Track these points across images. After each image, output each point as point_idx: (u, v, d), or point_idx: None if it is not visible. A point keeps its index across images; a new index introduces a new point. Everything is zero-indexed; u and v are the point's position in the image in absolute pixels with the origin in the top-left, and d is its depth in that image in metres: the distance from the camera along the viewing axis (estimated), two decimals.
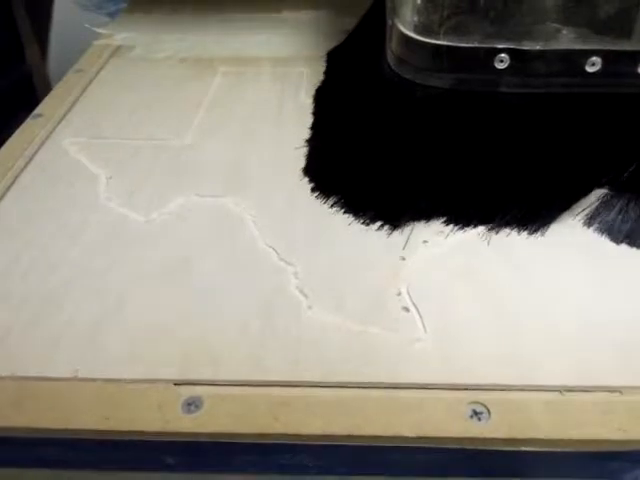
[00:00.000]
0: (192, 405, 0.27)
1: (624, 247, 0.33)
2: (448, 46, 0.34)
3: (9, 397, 0.27)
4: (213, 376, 0.28)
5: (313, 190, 0.38)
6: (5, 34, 0.77)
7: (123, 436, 0.26)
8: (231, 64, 0.55)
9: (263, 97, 0.50)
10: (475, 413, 0.26)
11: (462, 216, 0.35)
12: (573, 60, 0.34)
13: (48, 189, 0.41)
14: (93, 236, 0.37)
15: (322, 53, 0.55)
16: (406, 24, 0.35)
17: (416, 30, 0.34)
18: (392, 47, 0.37)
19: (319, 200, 0.37)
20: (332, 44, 0.56)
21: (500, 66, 0.34)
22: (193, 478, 0.29)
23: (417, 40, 0.34)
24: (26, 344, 0.30)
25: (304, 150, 0.42)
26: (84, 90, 0.50)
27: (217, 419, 0.26)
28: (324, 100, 0.47)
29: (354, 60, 0.47)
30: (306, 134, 0.45)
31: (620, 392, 0.27)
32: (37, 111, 0.48)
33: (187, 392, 0.27)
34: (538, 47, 0.33)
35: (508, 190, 0.35)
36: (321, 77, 0.52)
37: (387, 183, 0.36)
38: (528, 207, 0.35)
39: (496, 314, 0.30)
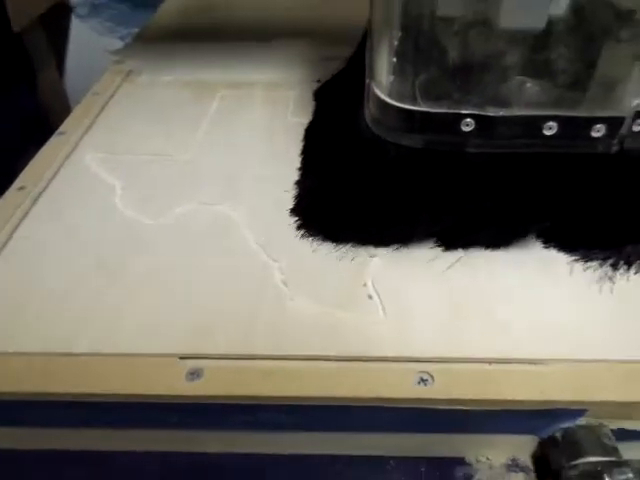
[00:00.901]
0: (194, 375, 0.29)
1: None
2: (419, 111, 0.33)
3: (47, 369, 0.29)
4: (211, 351, 0.30)
5: (299, 228, 0.38)
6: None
7: (138, 399, 0.28)
8: (228, 88, 0.54)
9: (255, 118, 0.50)
10: (422, 380, 0.28)
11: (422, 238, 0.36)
12: (532, 125, 0.33)
13: (74, 196, 0.41)
14: (111, 236, 0.38)
15: (306, 78, 0.55)
16: (381, 88, 0.34)
17: (389, 95, 0.34)
18: (369, 107, 0.36)
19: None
20: (314, 70, 0.56)
21: (466, 129, 0.33)
22: (192, 435, 0.31)
23: (390, 104, 0.33)
24: (57, 325, 0.31)
25: (293, 176, 0.42)
26: (101, 111, 0.50)
27: (214, 386, 0.28)
28: (311, 143, 0.46)
29: (339, 105, 0.45)
30: (292, 150, 0.44)
31: (541, 364, 0.29)
32: (60, 129, 0.48)
33: (190, 364, 0.29)
34: (500, 113, 0.32)
35: (467, 229, 0.36)
36: (304, 100, 0.51)
37: (363, 228, 0.37)
38: (486, 240, 0.36)
39: (443, 303, 0.32)
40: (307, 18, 0.67)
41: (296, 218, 0.38)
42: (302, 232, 0.37)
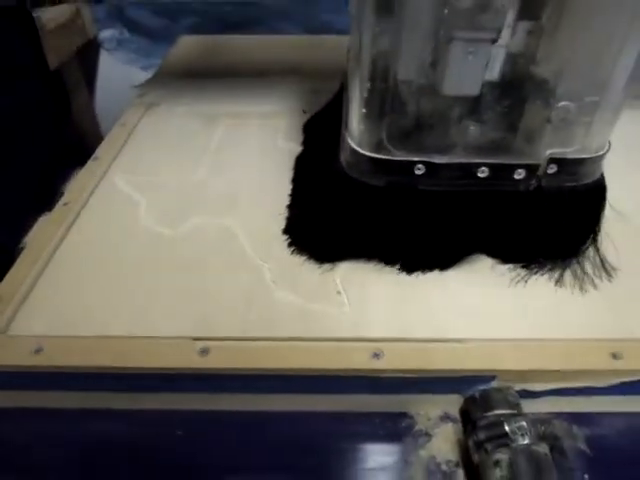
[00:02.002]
0: (204, 352, 0.32)
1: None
2: (381, 159, 0.34)
3: (88, 348, 0.32)
4: (216, 334, 0.33)
5: (289, 245, 0.40)
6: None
7: (162, 371, 0.31)
8: (230, 117, 0.56)
9: (252, 143, 0.52)
10: (375, 355, 0.32)
11: (387, 262, 0.38)
12: (468, 169, 0.34)
13: (107, 211, 0.44)
14: (137, 243, 0.40)
15: (293, 108, 0.57)
16: (353, 138, 0.35)
17: (359, 145, 0.35)
18: (343, 152, 0.37)
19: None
20: (301, 101, 0.59)
21: (418, 172, 0.34)
22: (203, 397, 0.34)
23: (359, 153, 0.35)
24: (101, 314, 0.35)
25: (285, 193, 0.44)
26: (127, 139, 0.53)
27: (219, 360, 0.32)
28: (299, 173, 0.47)
29: (322, 140, 0.45)
30: (282, 172, 0.47)
31: (464, 342, 0.32)
32: (95, 155, 0.50)
33: (200, 344, 0.32)
34: (444, 160, 0.34)
35: (420, 247, 0.38)
36: (292, 128, 0.53)
37: (339, 251, 0.38)
38: (434, 258, 0.38)
39: (393, 296, 0.36)
40: (296, 57, 0.70)
41: (287, 236, 0.40)
42: (292, 249, 0.39)
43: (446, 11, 0.29)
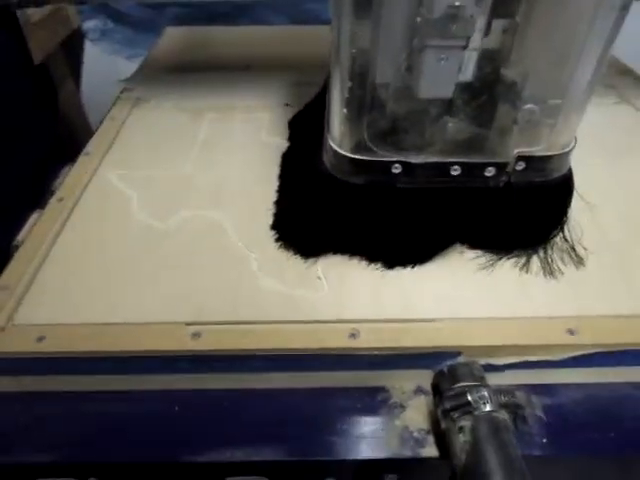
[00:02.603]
0: (196, 335, 0.35)
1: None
2: (361, 159, 0.36)
3: (88, 334, 0.35)
4: (207, 319, 0.35)
5: (277, 241, 0.41)
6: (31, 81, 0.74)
7: (159, 353, 0.34)
8: (215, 112, 0.58)
9: (236, 136, 0.54)
10: (352, 334, 0.34)
11: (369, 258, 0.40)
12: (442, 168, 0.36)
13: (101, 205, 0.45)
14: (131, 236, 0.42)
15: (277, 102, 0.59)
16: (334, 140, 0.37)
17: (340, 146, 0.37)
18: (326, 153, 0.38)
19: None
20: (283, 95, 0.60)
21: (395, 171, 0.36)
22: (196, 376, 0.36)
23: (340, 153, 0.36)
24: (103, 303, 0.37)
25: (272, 191, 0.46)
26: (117, 134, 0.54)
27: (210, 343, 0.34)
28: (286, 168, 0.48)
29: (307, 137, 0.46)
30: (266, 167, 0.48)
31: (432, 322, 0.36)
32: (86, 150, 0.52)
33: (193, 329, 0.35)
34: (419, 160, 0.36)
35: (400, 242, 0.39)
36: (275, 122, 0.55)
37: (324, 241, 0.40)
38: (413, 253, 0.40)
39: (369, 282, 0.38)
40: (280, 49, 0.71)
41: (274, 232, 0.42)
42: (279, 244, 0.41)
43: (419, 20, 0.31)
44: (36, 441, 0.34)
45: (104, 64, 0.98)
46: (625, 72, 0.69)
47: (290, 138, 0.53)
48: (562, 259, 0.40)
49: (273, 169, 0.49)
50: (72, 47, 0.92)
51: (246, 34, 0.78)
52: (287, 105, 0.59)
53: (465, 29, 0.31)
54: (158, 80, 0.65)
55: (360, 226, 0.39)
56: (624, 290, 0.38)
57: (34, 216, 0.45)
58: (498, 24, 0.34)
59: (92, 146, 0.53)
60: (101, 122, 0.58)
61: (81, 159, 0.51)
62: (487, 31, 0.34)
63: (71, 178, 0.49)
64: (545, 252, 0.41)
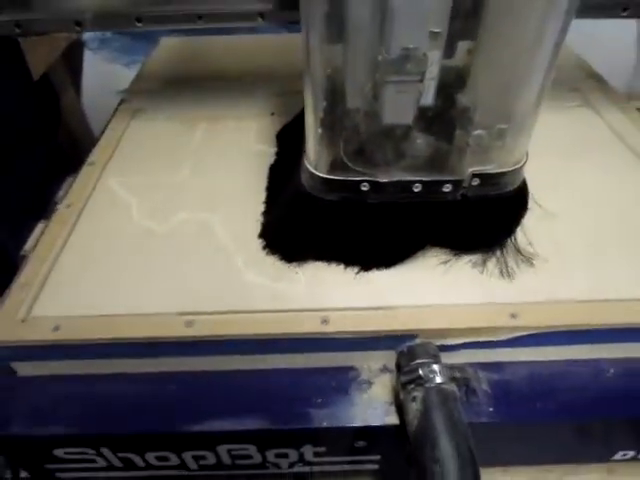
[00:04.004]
0: (189, 324, 0.40)
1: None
2: (333, 179, 0.40)
3: (96, 325, 0.40)
4: (198, 309, 0.40)
5: (263, 248, 0.45)
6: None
7: (157, 340, 0.39)
8: (207, 121, 0.63)
9: (228, 144, 0.59)
10: (324, 321, 0.39)
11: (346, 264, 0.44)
12: (405, 185, 0.39)
13: (104, 210, 0.50)
14: (132, 237, 0.47)
15: (265, 111, 0.64)
16: (309, 161, 0.40)
17: (315, 168, 0.40)
18: (303, 172, 0.41)
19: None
20: (270, 104, 0.65)
21: (364, 189, 0.39)
22: (189, 360, 0.41)
23: (315, 174, 0.40)
24: (105, 297, 0.42)
25: (261, 195, 0.50)
26: (117, 144, 0.59)
27: (201, 331, 0.39)
28: (273, 181, 0.52)
29: (293, 151, 0.47)
30: (255, 174, 0.53)
31: (394, 309, 0.40)
32: (90, 160, 0.57)
33: (186, 318, 0.40)
34: (385, 179, 0.39)
35: (371, 250, 0.43)
36: (263, 130, 0.60)
37: (305, 251, 0.44)
38: (384, 259, 0.44)
39: (340, 275, 0.43)
40: (272, 58, 0.76)
41: (261, 240, 0.46)
42: (266, 251, 0.45)
43: (379, 57, 0.34)
44: (54, 417, 0.40)
45: (103, 71, 1.03)
46: (591, 75, 0.73)
47: (277, 151, 0.57)
48: (514, 259, 0.45)
49: (259, 175, 0.54)
50: (73, 56, 0.99)
51: (240, 43, 0.82)
52: (273, 114, 0.64)
53: (419, 67, 0.34)
54: (153, 91, 0.70)
55: (336, 237, 0.43)
56: (561, 282, 0.43)
57: (40, 226, 0.50)
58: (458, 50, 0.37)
59: (95, 156, 0.58)
60: (102, 133, 0.64)
61: (86, 169, 0.56)
62: (451, 53, 0.37)
63: (77, 186, 0.54)
64: (500, 253, 0.45)
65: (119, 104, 0.69)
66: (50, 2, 0.50)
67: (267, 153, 0.57)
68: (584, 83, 0.71)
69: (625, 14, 0.56)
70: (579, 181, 0.54)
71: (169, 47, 0.83)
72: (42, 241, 0.48)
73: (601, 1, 0.56)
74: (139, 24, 0.50)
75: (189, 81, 0.72)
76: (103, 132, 0.63)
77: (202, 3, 0.50)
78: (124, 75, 0.91)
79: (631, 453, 0.46)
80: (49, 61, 0.87)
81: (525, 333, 0.40)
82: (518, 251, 0.45)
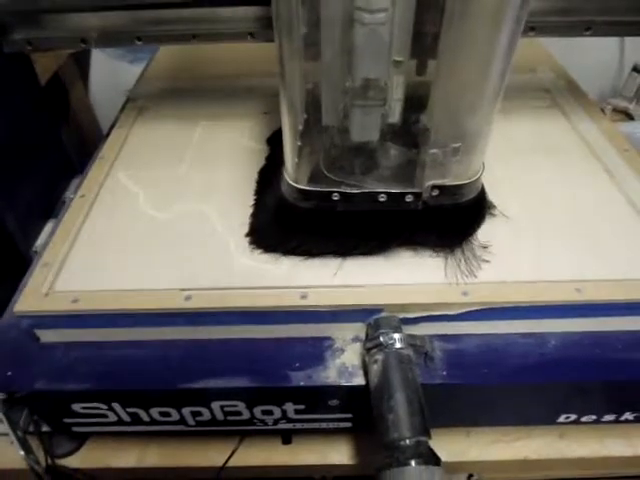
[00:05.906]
0: (188, 298, 0.46)
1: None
2: (307, 189, 0.44)
3: (109, 297, 0.47)
4: (196, 286, 0.46)
5: (250, 244, 0.50)
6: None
7: (161, 311, 0.46)
8: (206, 119, 0.68)
9: (224, 141, 0.64)
10: (303, 296, 0.46)
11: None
12: (372, 196, 0.43)
13: (114, 200, 0.56)
14: (138, 224, 0.53)
15: (259, 111, 0.70)
16: (287, 173, 0.45)
17: (292, 179, 0.44)
18: (282, 182, 0.46)
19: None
20: (266, 104, 0.70)
21: (335, 199, 0.43)
22: (189, 329, 0.47)
23: (292, 185, 0.44)
24: (116, 275, 0.49)
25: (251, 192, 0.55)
26: (125, 140, 0.65)
27: (199, 304, 0.45)
28: (261, 183, 0.57)
29: (279, 157, 0.49)
30: (247, 168, 0.58)
31: (363, 287, 0.46)
32: (101, 154, 0.62)
33: (185, 293, 0.45)
34: (353, 190, 0.43)
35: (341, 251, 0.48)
36: (255, 129, 0.66)
37: (286, 248, 0.49)
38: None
39: (318, 260, 0.49)
40: (262, 65, 0.77)
41: (250, 237, 0.52)
42: (253, 245, 0.51)
43: (347, 84, 0.39)
44: (72, 376, 0.47)
45: (109, 68, 1.09)
46: (562, 76, 0.78)
47: (267, 156, 0.61)
48: (471, 255, 0.50)
49: (251, 169, 0.60)
50: (80, 54, 1.06)
51: (238, 47, 0.81)
52: (266, 114, 0.70)
53: (380, 94, 0.39)
54: (157, 90, 0.76)
55: (312, 238, 0.49)
56: (509, 268, 0.49)
57: (49, 224, 0.55)
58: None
59: (105, 151, 0.65)
60: (110, 129, 0.70)
61: (97, 162, 0.63)
62: (422, 71, 0.42)
63: (90, 178, 0.60)
64: (460, 253, 0.51)
65: (125, 102, 0.75)
66: (59, 21, 0.56)
67: (258, 150, 0.64)
68: (555, 84, 0.76)
69: (588, 33, 0.62)
70: (537, 180, 0.59)
71: (172, 48, 0.89)
72: (60, 227, 0.55)
73: (565, 21, 0.61)
74: (139, 42, 0.57)
75: (190, 81, 0.78)
76: (111, 128, 0.70)
77: (196, 24, 0.56)
78: (129, 71, 0.98)
79: (573, 416, 0.53)
80: (55, 68, 0.92)
81: (475, 308, 0.47)
82: (475, 249, 0.51)
